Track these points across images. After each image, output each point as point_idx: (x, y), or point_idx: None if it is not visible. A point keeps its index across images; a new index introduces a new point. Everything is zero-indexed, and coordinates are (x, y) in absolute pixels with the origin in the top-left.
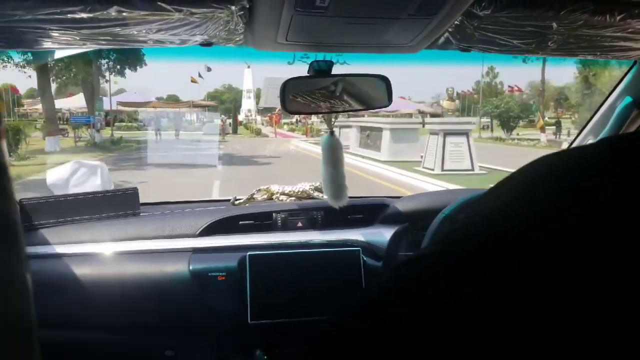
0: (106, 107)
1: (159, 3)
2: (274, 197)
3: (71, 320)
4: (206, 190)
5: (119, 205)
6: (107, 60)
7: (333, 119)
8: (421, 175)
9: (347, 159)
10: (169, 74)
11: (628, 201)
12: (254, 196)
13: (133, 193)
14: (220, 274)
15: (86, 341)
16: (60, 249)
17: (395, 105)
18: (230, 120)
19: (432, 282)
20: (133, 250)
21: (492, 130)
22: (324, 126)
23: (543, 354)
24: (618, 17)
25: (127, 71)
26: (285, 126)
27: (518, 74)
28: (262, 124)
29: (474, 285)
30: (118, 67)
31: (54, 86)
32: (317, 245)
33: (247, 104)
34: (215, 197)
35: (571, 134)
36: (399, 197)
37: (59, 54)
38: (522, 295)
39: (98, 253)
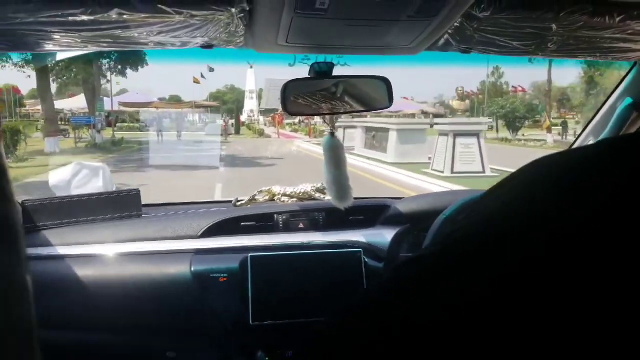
0: (107, 107)
1: (159, 5)
2: (275, 198)
3: (73, 322)
4: (208, 193)
5: (120, 206)
6: (107, 60)
7: (334, 120)
8: (430, 177)
9: (352, 160)
10: (171, 75)
11: (628, 201)
12: (256, 197)
13: (135, 194)
14: (222, 275)
15: (88, 342)
16: (62, 250)
17: (398, 105)
18: (233, 121)
19: (433, 282)
20: (135, 252)
21: (497, 130)
22: (327, 126)
23: (543, 354)
24: (617, 19)
25: (129, 71)
26: (288, 127)
27: (520, 74)
28: (265, 124)
29: (474, 285)
30: (119, 67)
31: (54, 86)
32: (319, 246)
33: (250, 104)
34: (217, 199)
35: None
36: (400, 198)
37: (59, 56)
38: (523, 295)
39: (100, 254)
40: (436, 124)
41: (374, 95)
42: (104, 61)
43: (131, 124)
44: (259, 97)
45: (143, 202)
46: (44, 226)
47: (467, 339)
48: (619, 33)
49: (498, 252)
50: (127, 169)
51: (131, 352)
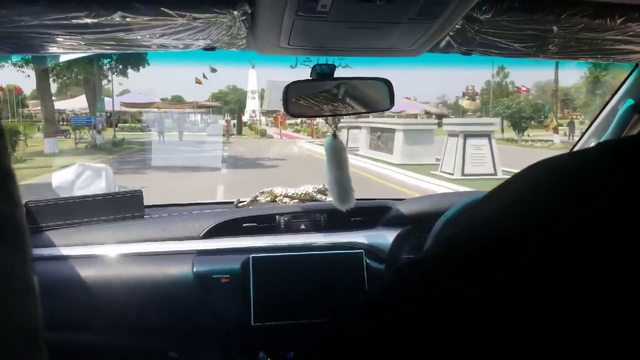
0: (109, 107)
1: (163, 8)
2: (277, 199)
3: (75, 322)
4: (209, 196)
5: (123, 207)
6: (109, 60)
7: (336, 121)
8: (439, 179)
9: (358, 161)
10: (173, 75)
11: (630, 203)
12: (258, 198)
13: (137, 195)
14: (224, 276)
15: (90, 343)
16: (65, 251)
17: (401, 106)
18: (235, 121)
19: (435, 284)
20: (137, 252)
21: (502, 131)
22: (329, 127)
23: (546, 356)
24: (619, 21)
25: (131, 72)
26: (290, 127)
27: (523, 74)
28: (267, 125)
29: (477, 287)
30: (120, 67)
31: (55, 87)
32: (320, 247)
33: (252, 104)
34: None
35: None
36: (401, 200)
37: (61, 57)
38: (525, 297)
39: (102, 255)
40: (445, 124)
41: (375, 97)
42: (105, 61)
43: (133, 125)
44: (261, 97)
45: (144, 203)
46: (47, 227)
47: (470, 341)
48: (620, 35)
49: (500, 254)
50: (127, 171)
51: (133, 353)
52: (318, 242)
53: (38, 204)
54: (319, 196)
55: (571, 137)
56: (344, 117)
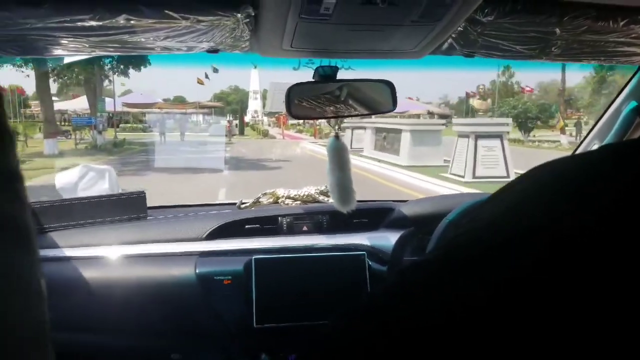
0: (110, 108)
1: (167, 11)
2: (279, 200)
3: (78, 323)
4: (210, 201)
5: (126, 208)
6: (110, 60)
7: (339, 122)
8: (450, 182)
9: (363, 162)
10: (175, 76)
11: (631, 207)
12: (260, 200)
13: (140, 197)
14: (226, 277)
15: (92, 344)
16: (67, 252)
17: (404, 106)
18: (237, 122)
19: (437, 287)
20: (140, 254)
21: (507, 131)
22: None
23: (549, 357)
24: (621, 23)
25: (134, 73)
26: (292, 127)
27: (525, 74)
28: (269, 125)
29: (480, 289)
30: (121, 67)
31: (55, 87)
32: (323, 249)
33: (254, 104)
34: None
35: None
36: (404, 201)
37: (65, 59)
38: (528, 299)
39: (105, 256)
40: (455, 124)
41: (378, 99)
42: (106, 61)
43: (134, 125)
44: (263, 97)
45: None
46: (50, 228)
47: (473, 343)
48: (623, 37)
49: (504, 256)
50: (127, 173)
51: (136, 354)
52: (320, 243)
53: (41, 205)
54: (321, 197)
55: (578, 138)
56: (347, 118)
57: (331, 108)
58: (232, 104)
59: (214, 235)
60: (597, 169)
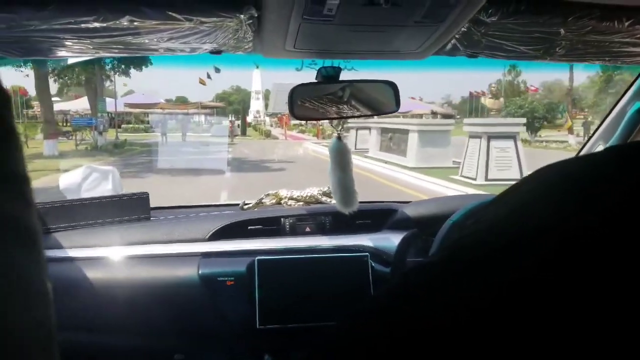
0: (111, 108)
1: (170, 13)
2: (282, 202)
3: (81, 324)
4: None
5: (129, 209)
6: (110, 60)
7: (341, 123)
8: (461, 185)
9: (368, 164)
10: (177, 76)
11: (634, 209)
12: (263, 201)
13: (144, 198)
14: (229, 278)
15: (96, 344)
16: (71, 253)
17: (407, 106)
18: (239, 122)
19: (441, 288)
20: (143, 255)
21: None
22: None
23: (552, 358)
24: (626, 23)
25: (136, 73)
26: (294, 128)
27: (529, 74)
28: (271, 126)
29: (484, 291)
30: (122, 66)
31: (56, 87)
32: (325, 250)
33: (256, 105)
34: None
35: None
36: (407, 202)
37: (68, 60)
38: (533, 300)
39: (108, 257)
40: (466, 124)
41: (381, 100)
42: (107, 61)
43: (136, 126)
44: (266, 98)
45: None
46: (54, 229)
47: (477, 346)
48: (628, 37)
49: (507, 258)
50: (127, 175)
51: (139, 354)
52: (323, 244)
53: (45, 206)
54: (324, 199)
55: (586, 138)
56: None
57: (334, 109)
58: (234, 104)
59: (217, 236)
60: (601, 171)
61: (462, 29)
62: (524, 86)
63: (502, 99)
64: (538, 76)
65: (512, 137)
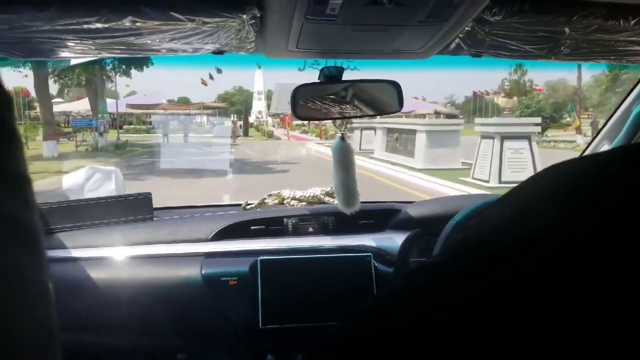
0: (113, 109)
1: (172, 13)
2: (285, 202)
3: (85, 323)
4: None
5: (132, 210)
6: (111, 60)
7: (345, 123)
8: (474, 188)
9: (373, 165)
10: (179, 77)
11: (638, 209)
12: (265, 201)
13: (146, 198)
14: (232, 278)
15: (99, 344)
16: (74, 253)
17: (410, 105)
18: (241, 122)
19: (444, 289)
20: (146, 255)
21: None
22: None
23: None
24: (632, 22)
25: (138, 74)
26: (297, 128)
27: (534, 73)
28: (274, 126)
29: (488, 292)
30: (123, 67)
31: (56, 88)
32: (328, 250)
33: (258, 105)
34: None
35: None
36: (410, 202)
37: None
38: (536, 300)
39: (111, 257)
40: (478, 124)
41: (384, 99)
42: (108, 62)
43: (138, 126)
44: (268, 98)
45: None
46: (57, 229)
47: (480, 346)
48: (633, 36)
49: (512, 259)
50: (128, 177)
51: (142, 355)
52: (326, 245)
53: (48, 206)
54: (326, 199)
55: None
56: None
57: (337, 109)
58: (236, 105)
59: (219, 236)
60: (605, 171)
61: (466, 28)
62: (530, 85)
63: (515, 98)
64: (542, 75)
65: (527, 137)
